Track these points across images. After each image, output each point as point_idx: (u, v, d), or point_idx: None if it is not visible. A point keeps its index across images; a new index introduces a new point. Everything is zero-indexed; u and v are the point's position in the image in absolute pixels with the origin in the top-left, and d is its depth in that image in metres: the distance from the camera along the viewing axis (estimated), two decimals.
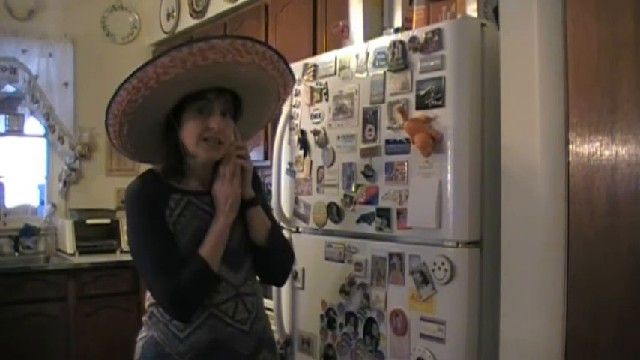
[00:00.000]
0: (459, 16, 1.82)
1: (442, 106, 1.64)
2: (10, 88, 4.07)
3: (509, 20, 1.58)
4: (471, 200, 1.62)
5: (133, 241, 1.49)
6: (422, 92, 1.69)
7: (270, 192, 2.27)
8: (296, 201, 2.15)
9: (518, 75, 1.55)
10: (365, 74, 1.88)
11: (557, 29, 1.45)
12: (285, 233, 2.11)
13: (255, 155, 3.10)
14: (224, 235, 1.46)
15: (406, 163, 1.73)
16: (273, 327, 1.87)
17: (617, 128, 1.32)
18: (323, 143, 2.02)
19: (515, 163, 1.55)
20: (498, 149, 1.59)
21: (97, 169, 4.31)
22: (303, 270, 2.10)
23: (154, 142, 1.51)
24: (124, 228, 3.78)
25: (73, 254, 3.79)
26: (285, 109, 2.16)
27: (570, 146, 1.42)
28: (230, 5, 3.50)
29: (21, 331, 3.34)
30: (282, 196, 2.21)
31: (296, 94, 2.15)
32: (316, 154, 2.06)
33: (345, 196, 1.93)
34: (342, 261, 1.93)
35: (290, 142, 2.19)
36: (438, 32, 1.66)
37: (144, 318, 1.55)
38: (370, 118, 1.85)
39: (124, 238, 3.85)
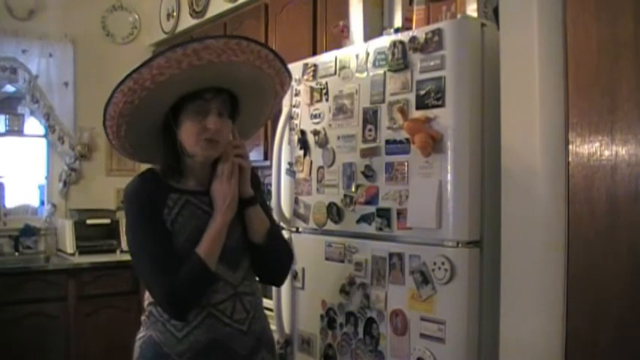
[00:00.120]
0: (459, 16, 1.82)
1: (442, 106, 1.64)
2: (10, 88, 4.07)
3: (509, 20, 1.58)
4: (471, 200, 1.62)
5: (132, 240, 1.49)
6: (422, 92, 1.69)
7: (270, 192, 2.27)
8: (296, 201, 2.15)
9: (518, 75, 1.55)
10: (365, 74, 1.88)
11: (557, 29, 1.45)
12: (285, 233, 2.11)
13: (255, 155, 3.10)
14: (222, 234, 1.46)
15: (406, 163, 1.73)
16: (273, 327, 1.87)
17: (617, 128, 1.32)
18: (323, 143, 2.02)
19: (515, 163, 1.55)
20: (498, 149, 1.59)
21: (97, 169, 4.31)
22: (303, 270, 2.10)
23: (153, 142, 1.51)
24: (123, 228, 3.77)
25: (73, 254, 3.79)
26: (285, 109, 2.16)
27: (570, 146, 1.42)
28: (230, 5, 3.50)
29: (21, 331, 3.34)
30: (282, 196, 2.21)
31: (296, 94, 2.16)
32: (316, 154, 2.06)
33: (345, 196, 1.93)
34: (342, 261, 1.93)
35: (290, 142, 2.19)
36: (438, 32, 1.66)
37: (142, 317, 1.55)
38: (370, 118, 1.85)
39: (123, 238, 3.83)
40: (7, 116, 4.06)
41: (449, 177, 1.62)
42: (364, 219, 1.86)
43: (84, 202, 4.17)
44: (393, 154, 1.77)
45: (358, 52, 1.92)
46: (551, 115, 1.47)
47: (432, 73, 1.67)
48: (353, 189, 1.90)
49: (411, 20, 2.00)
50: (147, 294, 1.52)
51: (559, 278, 1.44)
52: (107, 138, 1.53)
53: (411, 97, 1.72)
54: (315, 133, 2.04)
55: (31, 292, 3.42)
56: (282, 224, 2.17)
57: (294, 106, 2.17)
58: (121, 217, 3.84)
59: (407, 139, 1.72)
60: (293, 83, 2.02)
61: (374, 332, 1.81)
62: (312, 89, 2.08)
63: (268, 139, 3.02)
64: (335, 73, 2.00)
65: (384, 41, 1.83)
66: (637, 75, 1.29)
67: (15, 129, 4.07)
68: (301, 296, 2.12)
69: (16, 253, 3.88)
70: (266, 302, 1.74)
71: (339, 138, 1.97)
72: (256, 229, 1.56)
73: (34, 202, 4.25)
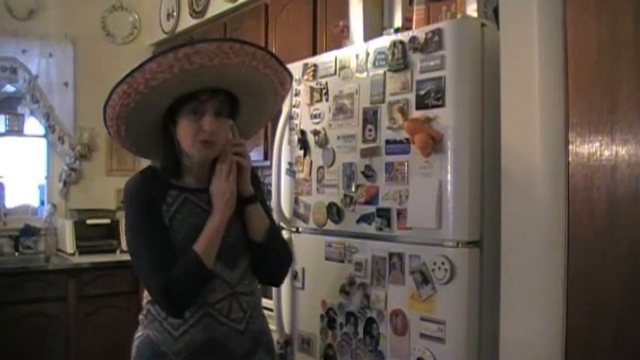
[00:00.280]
0: (459, 16, 1.82)
1: (442, 106, 1.64)
2: (10, 88, 4.07)
3: (509, 20, 1.58)
4: (471, 200, 1.62)
5: (132, 240, 1.49)
6: (422, 92, 1.69)
7: (270, 192, 2.27)
8: (296, 201, 2.15)
9: (518, 75, 1.55)
10: (365, 74, 1.88)
11: (557, 29, 1.45)
12: (285, 233, 2.11)
13: (255, 155, 3.10)
14: (219, 232, 1.46)
15: (406, 163, 1.73)
16: (273, 327, 1.87)
17: (617, 128, 1.32)
18: (323, 143, 2.02)
19: (515, 163, 1.55)
20: (498, 149, 1.59)
21: (97, 169, 4.31)
22: (303, 270, 2.10)
23: (153, 141, 1.52)
24: (123, 228, 3.77)
25: (73, 254, 3.79)
26: (285, 109, 2.16)
27: (570, 146, 1.42)
28: (230, 5, 3.50)
29: (21, 331, 3.34)
30: (282, 196, 2.21)
31: (296, 94, 2.16)
32: (316, 154, 2.06)
33: (345, 196, 1.93)
34: (342, 261, 1.93)
35: (290, 142, 2.19)
36: (438, 32, 1.66)
37: (140, 316, 1.55)
38: (370, 118, 1.85)
39: (123, 238, 3.81)
40: (7, 116, 4.06)
41: (449, 177, 1.62)
42: (364, 219, 1.86)
43: (84, 202, 4.17)
44: (393, 154, 1.77)
45: (358, 52, 1.92)
46: (551, 115, 1.46)
47: (432, 73, 1.67)
48: (353, 189, 1.90)
49: (411, 20, 2.00)
50: (145, 293, 1.53)
51: (559, 278, 1.44)
52: (110, 136, 1.55)
53: (411, 97, 1.72)
54: (315, 133, 2.04)
55: (31, 292, 3.42)
56: (282, 224, 2.17)
57: (294, 106, 2.17)
58: (121, 217, 3.84)
59: (407, 139, 1.72)
60: (293, 83, 2.01)
61: (374, 332, 1.81)
62: (312, 89, 2.08)
63: (268, 139, 3.02)
64: (335, 73, 2.00)
65: (384, 41, 1.83)
66: (637, 75, 1.29)
67: (15, 129, 4.08)
68: (301, 296, 2.12)
69: (16, 253, 3.89)
70: (266, 302, 1.74)
71: (339, 138, 1.96)
72: (256, 228, 1.56)
73: (34, 202, 4.25)
